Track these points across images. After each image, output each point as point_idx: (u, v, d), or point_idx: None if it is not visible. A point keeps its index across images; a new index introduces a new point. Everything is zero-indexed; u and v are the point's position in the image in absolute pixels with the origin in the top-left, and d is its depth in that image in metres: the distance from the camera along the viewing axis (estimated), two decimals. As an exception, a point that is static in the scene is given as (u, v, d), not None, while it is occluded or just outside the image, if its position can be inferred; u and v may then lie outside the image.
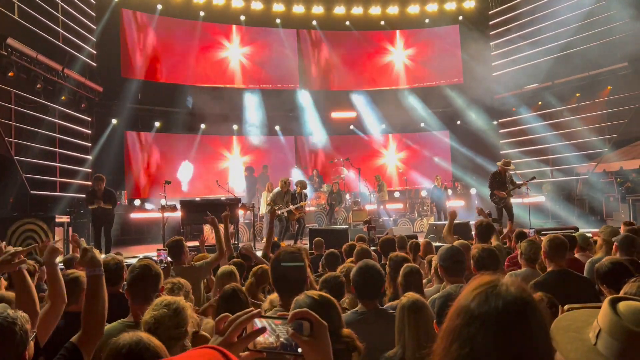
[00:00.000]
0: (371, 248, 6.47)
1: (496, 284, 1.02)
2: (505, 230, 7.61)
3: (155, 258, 4.34)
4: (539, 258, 4.43)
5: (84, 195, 13.05)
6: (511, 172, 10.95)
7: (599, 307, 1.34)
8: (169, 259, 4.69)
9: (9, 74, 10.55)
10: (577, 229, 9.37)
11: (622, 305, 1.28)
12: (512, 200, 10.81)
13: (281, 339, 1.13)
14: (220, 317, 1.19)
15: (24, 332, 1.97)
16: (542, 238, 6.43)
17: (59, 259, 2.78)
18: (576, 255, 5.24)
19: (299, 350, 1.12)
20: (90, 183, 13.45)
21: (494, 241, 5.59)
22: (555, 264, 3.75)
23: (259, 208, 13.64)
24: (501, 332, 0.96)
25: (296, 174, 15.93)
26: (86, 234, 11.40)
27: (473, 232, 5.89)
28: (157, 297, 2.73)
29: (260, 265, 4.66)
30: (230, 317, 1.16)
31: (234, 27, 17.70)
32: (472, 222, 8.74)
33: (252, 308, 1.20)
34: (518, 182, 10.83)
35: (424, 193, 16.53)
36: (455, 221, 11.23)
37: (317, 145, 18.09)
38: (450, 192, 15.41)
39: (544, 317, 1.01)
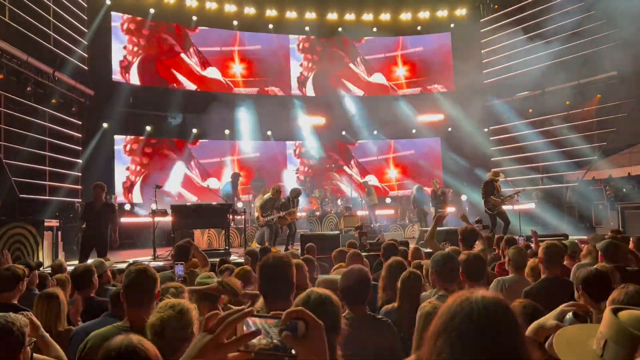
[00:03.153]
0: (362, 254, 6.46)
1: (474, 291, 1.15)
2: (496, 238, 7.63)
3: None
4: (526, 264, 4.45)
5: (74, 199, 13.06)
6: (500, 181, 11.21)
7: (594, 323, 1.34)
8: (182, 272, 4.63)
9: (-1, 77, 10.47)
10: (566, 236, 9.45)
11: (623, 314, 1.28)
12: (503, 207, 10.97)
13: (274, 340, 1.07)
14: (209, 314, 1.13)
15: (21, 333, 2.05)
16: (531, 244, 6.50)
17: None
18: (565, 263, 5.26)
19: (293, 351, 1.06)
20: (80, 187, 13.41)
21: (479, 245, 5.62)
22: (549, 271, 3.76)
23: (251, 213, 13.61)
24: (484, 323, 1.07)
25: (288, 178, 15.92)
26: (76, 240, 11.29)
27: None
28: (155, 301, 2.72)
29: (242, 267, 4.66)
30: (220, 315, 1.10)
31: (226, 32, 17.68)
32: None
33: (243, 306, 1.15)
34: (507, 195, 11.08)
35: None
36: (446, 228, 11.38)
37: (309, 150, 18.10)
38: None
39: (517, 315, 1.14)
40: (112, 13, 15.68)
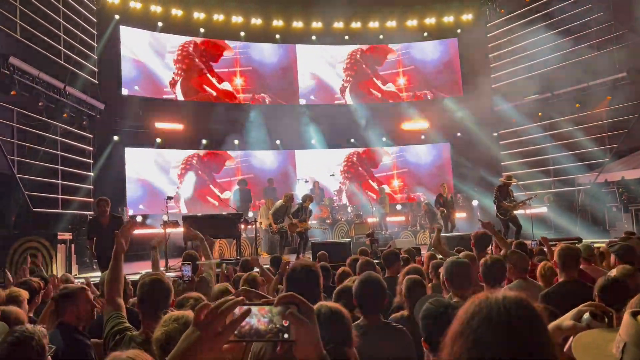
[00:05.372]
0: (374, 261, 6.43)
1: (494, 292, 1.09)
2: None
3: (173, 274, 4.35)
4: (528, 268, 4.41)
5: (86, 212, 13.14)
6: (513, 184, 11.18)
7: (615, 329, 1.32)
8: (189, 273, 4.68)
9: (12, 93, 10.59)
10: (580, 240, 9.36)
11: None
12: (515, 212, 10.94)
13: (268, 326, 1.08)
14: (200, 306, 1.11)
15: (40, 346, 2.05)
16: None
17: None
18: (581, 267, 5.20)
19: (286, 335, 1.07)
20: (92, 200, 13.49)
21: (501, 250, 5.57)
22: (566, 274, 3.72)
23: (260, 222, 13.62)
24: (504, 326, 1.01)
25: (300, 188, 15.93)
26: (89, 253, 11.35)
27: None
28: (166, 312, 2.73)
29: (249, 272, 4.67)
30: (212, 306, 1.09)
31: (233, 42, 17.83)
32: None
33: (233, 297, 1.15)
34: (520, 201, 11.03)
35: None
36: (458, 233, 11.32)
37: (318, 158, 18.12)
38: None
39: (542, 316, 1.07)
40: (121, 26, 15.84)
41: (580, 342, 1.41)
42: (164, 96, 16.78)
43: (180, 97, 17.04)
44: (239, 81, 17.91)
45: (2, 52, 10.34)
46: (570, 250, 3.75)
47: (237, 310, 1.09)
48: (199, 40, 17.44)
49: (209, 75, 17.64)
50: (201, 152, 17.11)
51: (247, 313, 1.07)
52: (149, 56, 16.62)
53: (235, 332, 1.08)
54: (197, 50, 17.50)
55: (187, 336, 1.09)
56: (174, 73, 17.06)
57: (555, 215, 14.64)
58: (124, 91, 15.85)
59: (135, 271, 9.36)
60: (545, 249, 6.16)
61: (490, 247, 5.88)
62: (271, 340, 1.08)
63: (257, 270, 5.66)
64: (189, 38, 17.25)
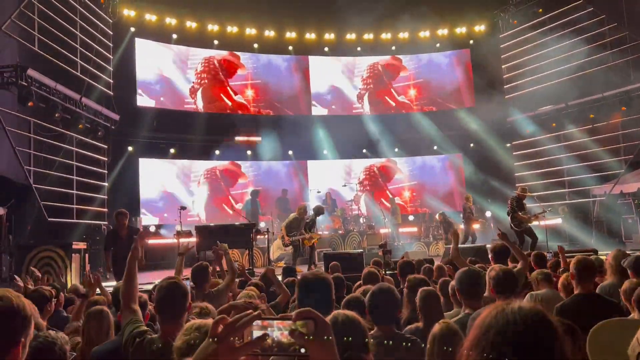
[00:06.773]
0: (387, 272, 6.42)
1: (511, 303, 1.10)
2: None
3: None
4: (553, 279, 4.38)
5: (100, 222, 13.27)
6: (527, 196, 11.15)
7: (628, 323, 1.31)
8: (191, 284, 4.67)
9: (29, 104, 10.75)
10: (595, 252, 9.23)
11: None
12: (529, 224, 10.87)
13: (291, 340, 1.10)
14: (217, 319, 1.14)
15: (62, 352, 2.09)
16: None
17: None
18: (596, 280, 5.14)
19: (302, 350, 1.09)
20: (106, 210, 13.61)
21: (520, 264, 5.51)
22: (582, 286, 3.67)
23: (273, 233, 13.64)
24: (520, 337, 1.02)
25: (312, 198, 15.96)
26: (103, 262, 11.44)
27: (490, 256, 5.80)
28: (186, 317, 2.75)
29: (247, 290, 4.65)
30: (229, 320, 1.12)
31: (246, 56, 18.00)
32: (489, 246, 8.70)
33: (250, 310, 1.16)
34: (533, 214, 10.97)
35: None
36: (472, 245, 11.24)
37: (330, 169, 18.15)
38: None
39: (558, 327, 1.06)
40: (136, 38, 16.07)
41: (597, 338, 1.40)
42: (185, 106, 17.01)
43: (200, 104, 17.26)
44: (250, 92, 18.06)
45: (20, 64, 10.52)
46: (585, 262, 3.71)
47: (260, 323, 1.11)
48: (219, 56, 17.69)
49: (228, 87, 17.89)
50: (219, 164, 17.23)
51: (264, 338, 1.09)
52: (167, 68, 16.86)
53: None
54: (218, 64, 17.74)
55: (204, 348, 1.12)
56: (194, 82, 17.30)
57: (570, 226, 14.48)
58: (139, 102, 16.05)
59: (149, 281, 9.40)
60: (560, 259, 6.10)
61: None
62: (291, 354, 1.10)
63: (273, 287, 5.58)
64: (207, 50, 17.49)
